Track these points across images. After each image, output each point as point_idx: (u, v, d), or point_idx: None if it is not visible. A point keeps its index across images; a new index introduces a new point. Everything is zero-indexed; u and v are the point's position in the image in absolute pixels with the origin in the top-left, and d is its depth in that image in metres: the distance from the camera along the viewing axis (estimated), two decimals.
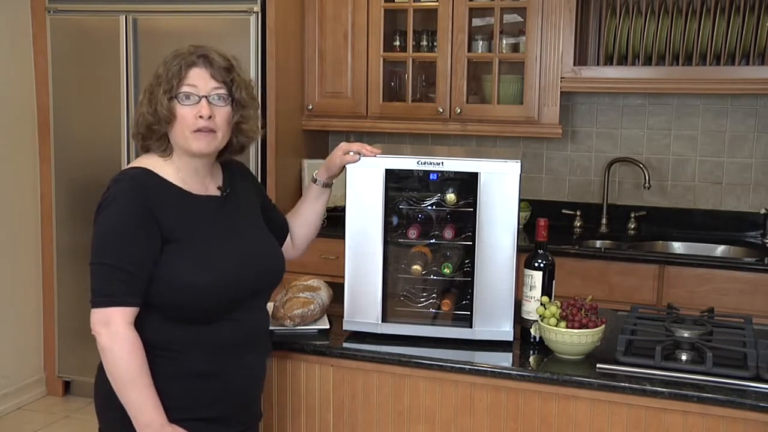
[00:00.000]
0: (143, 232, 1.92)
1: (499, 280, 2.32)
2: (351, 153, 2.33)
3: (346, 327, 2.41)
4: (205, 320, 1.99)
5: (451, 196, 2.39)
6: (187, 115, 1.99)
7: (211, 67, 2.01)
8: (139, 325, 1.93)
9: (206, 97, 2.00)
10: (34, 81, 4.34)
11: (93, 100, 4.23)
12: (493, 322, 2.33)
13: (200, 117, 1.99)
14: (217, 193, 2.11)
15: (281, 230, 2.36)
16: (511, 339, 2.34)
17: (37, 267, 4.46)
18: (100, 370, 2.02)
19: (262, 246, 2.16)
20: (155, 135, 2.03)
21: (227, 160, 2.18)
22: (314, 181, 2.39)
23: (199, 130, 2.00)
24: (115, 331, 1.89)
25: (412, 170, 2.39)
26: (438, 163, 2.35)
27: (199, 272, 1.96)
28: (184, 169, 2.05)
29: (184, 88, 1.99)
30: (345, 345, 2.34)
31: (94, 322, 1.91)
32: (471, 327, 2.35)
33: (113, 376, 1.92)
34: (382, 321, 2.39)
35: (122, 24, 4.09)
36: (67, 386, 4.58)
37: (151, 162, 2.04)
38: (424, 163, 2.36)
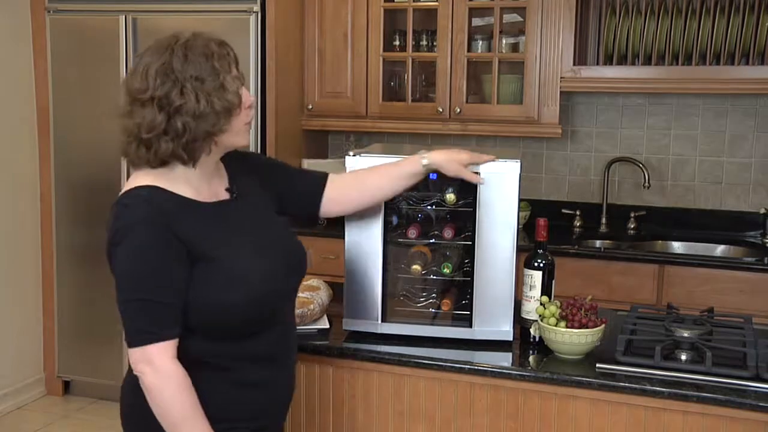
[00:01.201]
0: (171, 258, 1.79)
1: (499, 280, 2.32)
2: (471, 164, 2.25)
3: (345, 327, 2.41)
4: (246, 334, 1.89)
5: (450, 196, 2.39)
6: (246, 102, 1.89)
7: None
8: (182, 345, 1.82)
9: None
10: (34, 81, 4.35)
11: (93, 100, 4.23)
12: (493, 322, 2.33)
13: (249, 107, 1.90)
14: (227, 195, 1.97)
15: (315, 184, 2.22)
16: (511, 339, 2.34)
17: (37, 267, 4.46)
18: (130, 394, 1.90)
19: (284, 245, 2.03)
20: (208, 140, 1.85)
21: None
22: (422, 158, 2.22)
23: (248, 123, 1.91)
24: (160, 368, 1.77)
25: None
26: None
27: (232, 291, 1.83)
28: (195, 178, 1.90)
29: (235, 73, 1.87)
30: (344, 345, 2.34)
31: (136, 361, 1.78)
32: (471, 327, 2.35)
33: (164, 415, 1.79)
34: (382, 321, 2.39)
35: (122, 24, 4.09)
36: (66, 386, 4.58)
37: (152, 178, 1.86)
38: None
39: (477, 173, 2.25)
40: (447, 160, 2.22)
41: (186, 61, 1.81)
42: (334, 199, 2.24)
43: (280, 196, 2.13)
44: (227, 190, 1.99)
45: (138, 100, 1.81)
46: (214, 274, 1.83)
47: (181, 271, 1.80)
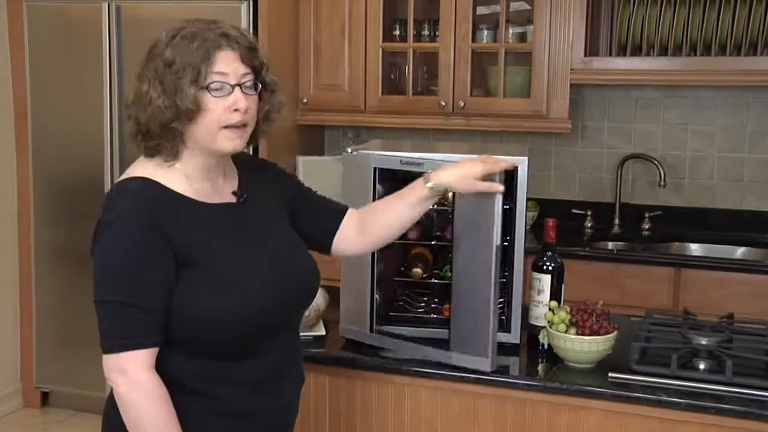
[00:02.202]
0: (155, 257, 1.72)
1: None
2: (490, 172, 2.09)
3: (342, 334, 2.42)
4: (234, 354, 1.82)
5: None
6: (217, 108, 1.77)
7: (238, 47, 1.81)
8: (162, 362, 1.75)
9: (239, 85, 1.80)
10: (10, 72, 4.34)
11: (74, 92, 4.23)
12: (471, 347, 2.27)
13: (235, 110, 1.79)
14: (233, 198, 1.90)
15: (333, 218, 2.13)
16: (518, 342, 2.35)
17: (14, 269, 4.46)
18: (112, 409, 1.81)
19: (291, 261, 1.95)
20: (171, 134, 1.78)
21: (240, 155, 1.96)
22: (426, 181, 2.07)
23: (229, 126, 1.79)
24: (133, 379, 1.71)
25: (397, 170, 2.39)
26: (424, 161, 2.32)
27: (223, 301, 1.76)
28: (194, 174, 1.84)
29: (214, 77, 1.76)
30: (341, 353, 2.35)
31: (109, 369, 1.72)
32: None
33: (135, 429, 1.74)
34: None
35: (105, 12, 4.09)
36: (45, 397, 4.58)
37: (151, 170, 1.81)
38: (421, 163, 2.36)
39: (494, 180, 2.10)
40: (458, 178, 2.06)
41: (170, 46, 1.77)
42: (345, 238, 2.15)
43: (294, 220, 2.06)
44: (234, 193, 1.91)
45: (139, 97, 1.82)
46: (205, 281, 1.77)
47: (166, 272, 1.73)
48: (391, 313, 2.48)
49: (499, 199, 2.11)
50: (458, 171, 2.07)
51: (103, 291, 1.73)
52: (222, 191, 1.89)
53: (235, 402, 1.83)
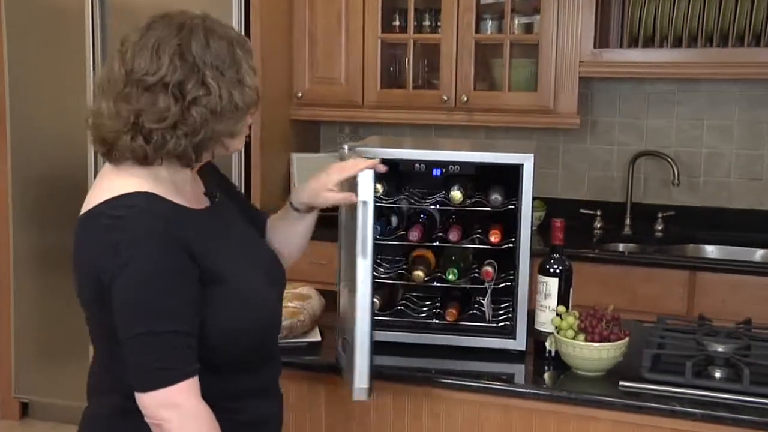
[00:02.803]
0: (185, 276, 1.69)
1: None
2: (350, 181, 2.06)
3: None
4: (256, 364, 1.87)
5: (456, 194, 2.39)
6: None
7: None
8: None
9: None
10: None
11: (55, 86, 4.22)
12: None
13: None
14: (207, 201, 1.89)
15: (261, 224, 2.15)
16: (523, 349, 2.35)
17: None
18: (88, 425, 1.85)
19: (272, 257, 2.01)
20: (218, 141, 1.79)
21: None
22: (290, 199, 2.13)
23: None
24: (186, 411, 1.67)
25: (396, 168, 2.40)
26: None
27: (250, 313, 1.80)
28: (181, 181, 1.82)
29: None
30: (337, 360, 2.35)
31: (156, 406, 1.65)
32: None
33: None
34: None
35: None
36: (24, 408, 4.58)
37: (140, 180, 1.75)
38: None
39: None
40: (311, 194, 2.08)
41: (207, 46, 1.73)
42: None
43: None
44: (205, 194, 1.91)
45: (142, 81, 1.70)
46: (229, 295, 1.76)
47: (196, 291, 1.70)
48: (388, 319, 2.48)
49: (362, 208, 2.02)
50: (310, 186, 2.08)
51: (137, 324, 1.65)
52: (198, 194, 1.89)
53: (254, 412, 1.87)
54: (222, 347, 1.76)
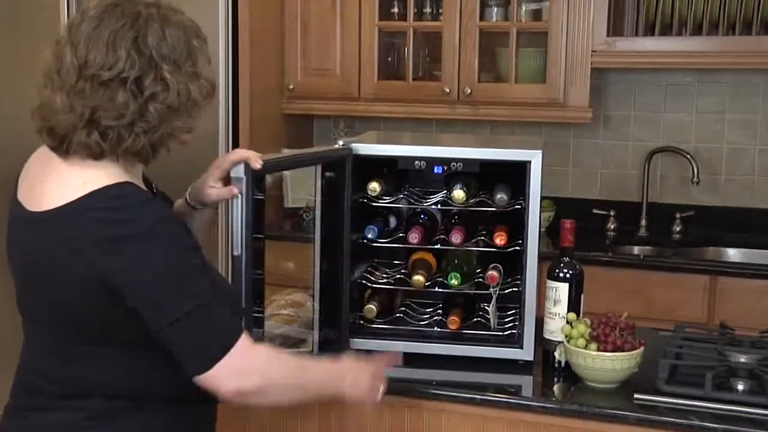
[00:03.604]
0: (201, 251, 1.84)
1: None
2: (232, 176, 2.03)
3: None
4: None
5: (459, 193, 2.39)
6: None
7: None
8: (151, 376, 1.83)
9: None
10: None
11: (27, 79, 4.20)
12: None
13: None
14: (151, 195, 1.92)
15: None
16: (531, 359, 2.36)
17: None
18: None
19: None
20: (174, 137, 1.84)
21: None
22: (186, 198, 2.14)
23: None
24: (253, 366, 1.79)
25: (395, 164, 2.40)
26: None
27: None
28: (135, 175, 1.86)
29: None
30: None
31: (224, 377, 1.75)
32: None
33: (300, 392, 1.93)
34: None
35: None
36: None
37: (110, 171, 1.78)
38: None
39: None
40: (199, 189, 2.08)
41: (163, 38, 1.76)
42: None
43: None
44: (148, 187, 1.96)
45: (97, 77, 1.73)
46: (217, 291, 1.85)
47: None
48: (386, 327, 2.48)
49: (236, 204, 2.00)
50: (197, 183, 2.09)
51: (179, 306, 1.71)
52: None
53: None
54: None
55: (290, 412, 2.35)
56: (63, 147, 1.78)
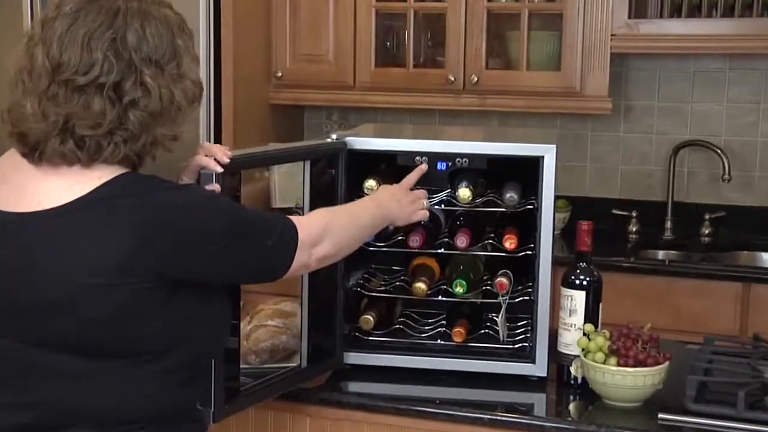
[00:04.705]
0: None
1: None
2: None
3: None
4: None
5: (464, 191, 2.40)
6: None
7: None
8: (145, 389, 1.82)
9: None
10: None
11: None
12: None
13: None
14: None
15: None
16: (544, 375, 2.36)
17: None
18: None
19: None
20: (159, 145, 1.86)
21: None
22: None
23: None
24: (318, 235, 2.03)
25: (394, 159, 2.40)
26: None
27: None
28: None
29: None
30: (326, 389, 2.36)
31: (305, 261, 2.01)
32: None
33: (357, 239, 2.22)
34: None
35: None
36: None
37: (112, 170, 1.80)
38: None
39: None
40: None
41: (144, 36, 1.75)
42: None
43: None
44: None
45: (71, 81, 1.72)
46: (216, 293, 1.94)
47: None
48: (384, 340, 2.49)
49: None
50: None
51: (258, 239, 1.91)
52: None
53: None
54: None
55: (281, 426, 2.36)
56: (35, 155, 1.77)
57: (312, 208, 2.32)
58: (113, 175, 1.76)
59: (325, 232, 2.06)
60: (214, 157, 2.00)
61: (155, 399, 1.82)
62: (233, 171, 2.06)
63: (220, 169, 2.00)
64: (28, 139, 1.76)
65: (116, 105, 1.72)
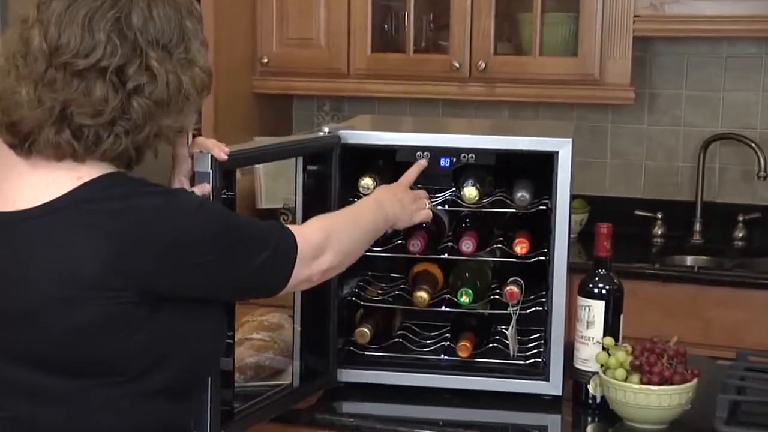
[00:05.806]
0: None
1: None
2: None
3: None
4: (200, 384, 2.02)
5: (470, 191, 2.40)
6: None
7: None
8: (142, 410, 1.82)
9: None
10: None
11: None
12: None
13: None
14: None
15: None
16: (559, 393, 2.37)
17: None
18: None
19: None
20: (163, 137, 1.86)
21: None
22: None
23: None
24: (319, 246, 2.02)
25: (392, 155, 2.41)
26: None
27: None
28: None
29: None
30: (318, 409, 2.37)
31: (304, 275, 1.99)
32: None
33: (362, 243, 2.19)
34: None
35: None
36: None
37: (103, 167, 1.79)
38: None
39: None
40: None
41: (150, 17, 1.75)
42: None
43: None
44: None
45: (70, 65, 1.71)
46: (212, 310, 1.94)
47: None
48: (382, 355, 2.50)
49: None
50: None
51: (249, 253, 1.88)
52: None
53: None
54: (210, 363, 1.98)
55: None
56: (25, 145, 1.77)
57: (304, 210, 2.33)
58: (96, 175, 1.75)
59: (326, 242, 2.04)
60: (211, 153, 2.00)
61: (138, 422, 1.82)
62: (229, 169, 2.05)
63: (224, 157, 2.00)
64: (20, 128, 1.75)
65: (119, 91, 1.72)
